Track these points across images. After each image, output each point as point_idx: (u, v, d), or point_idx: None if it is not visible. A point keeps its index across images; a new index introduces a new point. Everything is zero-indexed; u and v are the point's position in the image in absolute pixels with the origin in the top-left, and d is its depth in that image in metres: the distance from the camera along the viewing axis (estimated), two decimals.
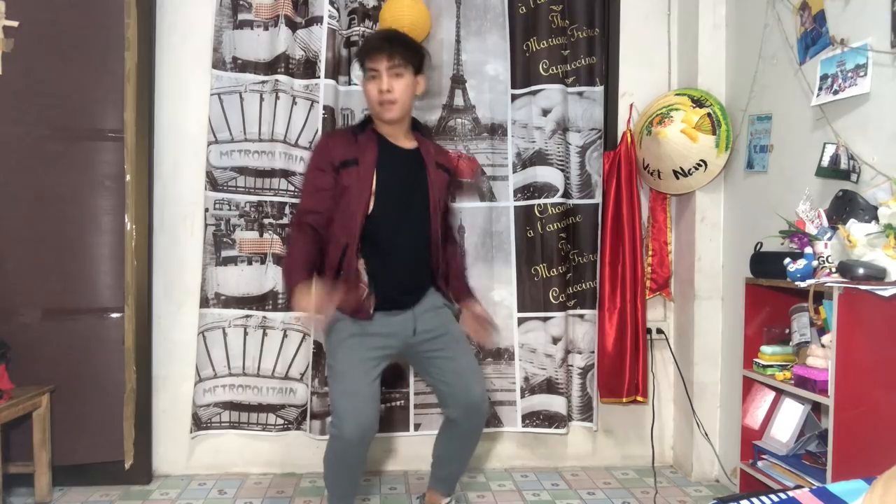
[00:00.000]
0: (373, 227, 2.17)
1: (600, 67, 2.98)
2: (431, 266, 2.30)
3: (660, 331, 3.09)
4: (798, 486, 1.81)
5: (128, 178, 2.73)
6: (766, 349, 2.25)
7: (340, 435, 2.10)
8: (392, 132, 2.27)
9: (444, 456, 2.42)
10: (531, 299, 2.97)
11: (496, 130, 2.98)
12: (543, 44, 2.94)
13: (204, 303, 2.85)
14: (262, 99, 2.85)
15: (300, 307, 2.08)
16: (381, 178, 2.19)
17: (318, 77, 2.85)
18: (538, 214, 2.95)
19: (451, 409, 2.30)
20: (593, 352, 2.99)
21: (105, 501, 2.64)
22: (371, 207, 2.17)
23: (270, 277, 2.87)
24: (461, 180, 2.89)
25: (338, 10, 2.86)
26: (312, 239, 2.20)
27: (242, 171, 2.86)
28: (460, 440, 2.36)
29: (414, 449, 2.99)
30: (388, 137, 2.26)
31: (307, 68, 2.86)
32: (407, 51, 2.22)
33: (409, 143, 2.30)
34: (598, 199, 2.99)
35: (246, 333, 2.87)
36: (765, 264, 2.28)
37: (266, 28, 2.86)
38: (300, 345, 2.89)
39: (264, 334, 2.87)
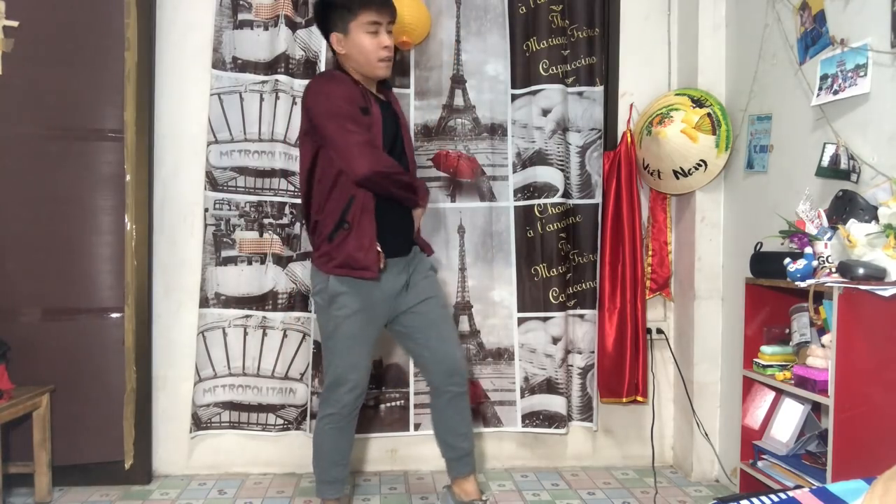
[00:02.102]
0: None
1: (600, 67, 2.98)
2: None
3: (660, 331, 3.09)
4: (798, 486, 1.81)
5: (128, 178, 2.73)
6: (766, 349, 2.25)
7: (339, 401, 2.23)
8: (368, 87, 2.30)
9: (447, 434, 2.42)
10: (531, 299, 2.97)
11: (496, 130, 2.97)
12: (543, 44, 2.94)
13: (204, 303, 2.85)
14: (262, 99, 2.85)
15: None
16: (385, 133, 2.24)
17: None
18: (538, 214, 2.95)
19: (434, 375, 2.37)
20: (593, 352, 2.99)
21: (105, 501, 2.64)
22: None
23: (270, 277, 2.86)
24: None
25: None
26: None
27: (242, 171, 2.86)
28: (451, 408, 2.39)
29: (414, 449, 3.00)
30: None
31: (307, 68, 2.86)
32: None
33: (380, 97, 2.34)
34: (598, 199, 2.99)
35: (246, 333, 2.87)
36: (765, 264, 2.28)
37: (266, 28, 2.86)
38: (300, 345, 2.89)
39: (264, 334, 2.87)
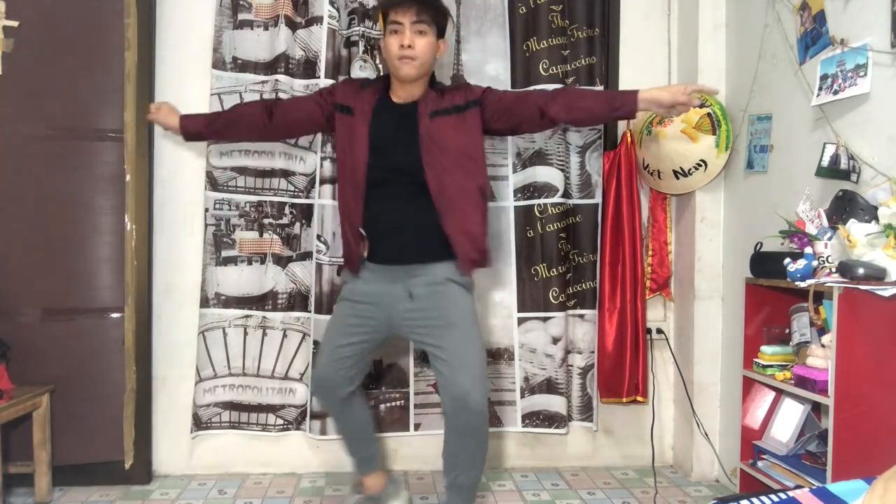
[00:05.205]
0: (368, 181, 2.20)
1: (600, 67, 2.98)
2: (440, 224, 2.17)
3: (660, 331, 3.09)
4: (798, 486, 1.81)
5: (128, 178, 2.73)
6: (766, 349, 2.25)
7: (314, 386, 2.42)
8: (403, 92, 2.25)
9: (446, 459, 2.21)
10: (531, 299, 2.96)
11: None
12: (543, 44, 2.94)
13: (204, 303, 2.85)
14: (262, 99, 2.85)
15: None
16: (373, 133, 2.21)
17: (318, 77, 2.84)
18: (538, 214, 2.94)
19: (444, 403, 2.14)
20: (593, 352, 2.99)
21: (105, 501, 2.64)
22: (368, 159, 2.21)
23: (270, 277, 2.86)
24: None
25: (338, 10, 2.86)
26: (252, 107, 2.51)
27: (242, 171, 2.86)
28: (454, 439, 2.16)
29: (414, 449, 2.99)
30: (392, 96, 2.27)
31: (307, 68, 2.86)
32: (435, 10, 2.21)
33: (411, 99, 2.24)
34: (598, 199, 2.99)
35: (246, 333, 2.87)
36: (765, 264, 2.28)
37: (266, 28, 2.86)
38: (300, 345, 2.89)
39: (264, 334, 2.87)
